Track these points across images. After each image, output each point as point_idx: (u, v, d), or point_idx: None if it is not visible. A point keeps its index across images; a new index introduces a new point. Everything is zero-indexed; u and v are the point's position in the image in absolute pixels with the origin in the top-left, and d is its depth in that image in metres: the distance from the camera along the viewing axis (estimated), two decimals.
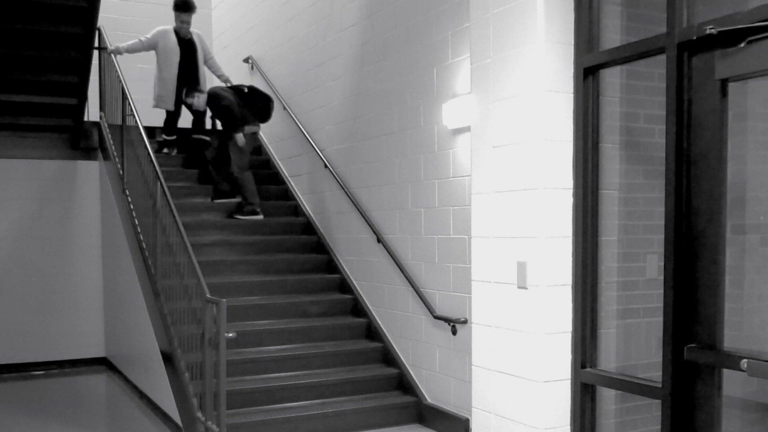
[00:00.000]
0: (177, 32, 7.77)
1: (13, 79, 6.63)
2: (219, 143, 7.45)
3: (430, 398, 5.45)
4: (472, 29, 3.80)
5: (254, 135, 7.37)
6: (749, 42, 2.67)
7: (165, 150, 7.94)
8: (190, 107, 7.65)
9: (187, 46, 7.84)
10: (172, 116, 7.89)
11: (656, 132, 3.26)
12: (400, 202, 5.71)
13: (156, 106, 7.80)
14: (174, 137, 7.97)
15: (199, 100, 7.42)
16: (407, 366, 5.70)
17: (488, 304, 3.70)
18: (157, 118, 8.48)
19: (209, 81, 8.11)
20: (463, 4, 4.78)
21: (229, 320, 4.61)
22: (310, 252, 7.02)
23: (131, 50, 7.64)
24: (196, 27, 9.87)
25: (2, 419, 6.26)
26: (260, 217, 7.16)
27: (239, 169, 7.17)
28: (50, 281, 8.13)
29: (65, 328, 8.15)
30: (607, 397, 3.56)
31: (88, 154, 8.24)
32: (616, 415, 3.65)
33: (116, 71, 6.97)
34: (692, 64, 2.91)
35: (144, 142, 6.05)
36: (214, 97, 7.28)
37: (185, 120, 8.00)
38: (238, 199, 7.29)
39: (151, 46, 7.68)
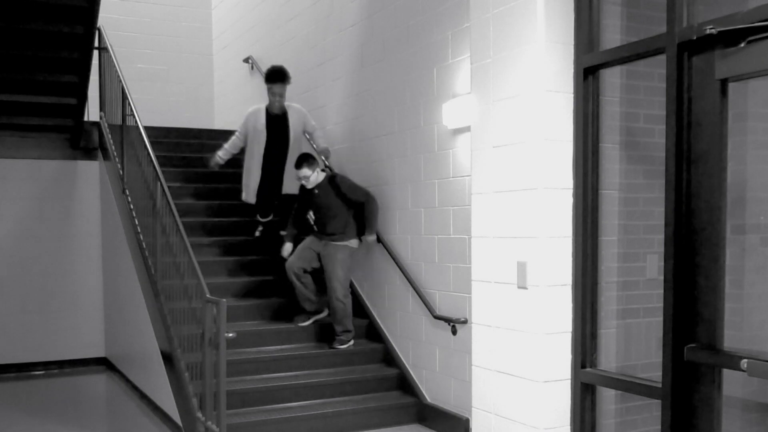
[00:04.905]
0: (268, 109, 6.53)
1: (13, 79, 6.62)
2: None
3: (430, 398, 5.45)
4: (472, 29, 3.80)
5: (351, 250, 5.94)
6: (749, 42, 2.67)
7: (257, 233, 6.92)
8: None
9: (277, 124, 6.51)
10: (257, 208, 6.80)
11: (656, 132, 3.25)
12: (400, 202, 5.71)
13: (245, 199, 6.72)
14: (269, 218, 6.83)
15: (310, 177, 5.82)
16: (407, 366, 5.70)
17: (488, 304, 3.70)
18: (157, 118, 8.50)
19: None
20: (463, 4, 4.78)
21: (229, 320, 4.61)
22: None
23: (232, 148, 6.65)
24: (197, 27, 9.98)
25: (2, 419, 6.26)
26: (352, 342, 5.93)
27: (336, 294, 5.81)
28: (50, 281, 8.12)
29: (65, 328, 8.15)
30: (607, 397, 3.55)
31: (88, 154, 8.24)
32: (616, 415, 3.65)
33: (116, 71, 6.97)
34: (692, 64, 2.90)
35: (144, 142, 6.04)
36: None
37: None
38: (325, 313, 6.10)
39: (246, 131, 6.60)
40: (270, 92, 6.47)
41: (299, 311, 6.09)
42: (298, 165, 5.81)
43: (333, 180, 5.85)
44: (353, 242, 5.88)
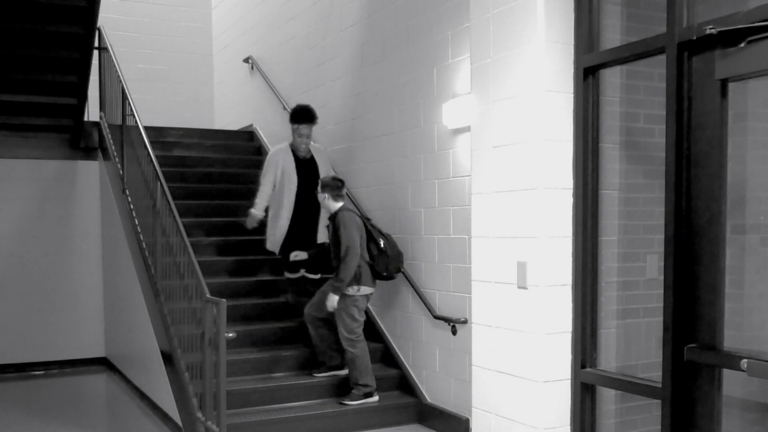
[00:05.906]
0: (294, 151, 6.00)
1: (13, 79, 6.63)
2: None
3: (430, 398, 5.44)
4: (472, 29, 3.80)
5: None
6: (749, 42, 2.67)
7: (286, 297, 6.33)
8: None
9: (307, 169, 5.99)
10: (284, 262, 6.08)
11: (656, 132, 3.26)
12: (400, 202, 5.71)
13: (269, 248, 6.10)
14: (298, 274, 6.15)
15: (322, 202, 5.42)
16: (407, 366, 5.70)
17: (488, 304, 3.70)
18: (157, 118, 8.50)
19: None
20: (463, 4, 4.78)
21: (229, 321, 4.61)
22: None
23: (265, 200, 5.99)
24: (197, 27, 9.99)
25: (2, 419, 6.26)
26: (376, 399, 5.37)
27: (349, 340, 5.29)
28: (50, 281, 8.12)
29: (65, 328, 8.15)
30: (607, 397, 3.55)
31: (88, 154, 8.24)
32: (616, 415, 3.65)
33: (116, 71, 6.97)
34: (692, 64, 2.91)
35: (144, 142, 6.04)
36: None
37: None
38: (346, 372, 5.50)
39: (275, 177, 5.95)
40: (296, 133, 5.94)
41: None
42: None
43: (335, 215, 5.29)
44: (353, 289, 5.24)
